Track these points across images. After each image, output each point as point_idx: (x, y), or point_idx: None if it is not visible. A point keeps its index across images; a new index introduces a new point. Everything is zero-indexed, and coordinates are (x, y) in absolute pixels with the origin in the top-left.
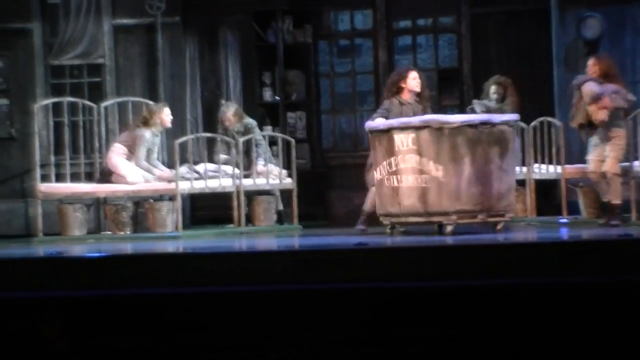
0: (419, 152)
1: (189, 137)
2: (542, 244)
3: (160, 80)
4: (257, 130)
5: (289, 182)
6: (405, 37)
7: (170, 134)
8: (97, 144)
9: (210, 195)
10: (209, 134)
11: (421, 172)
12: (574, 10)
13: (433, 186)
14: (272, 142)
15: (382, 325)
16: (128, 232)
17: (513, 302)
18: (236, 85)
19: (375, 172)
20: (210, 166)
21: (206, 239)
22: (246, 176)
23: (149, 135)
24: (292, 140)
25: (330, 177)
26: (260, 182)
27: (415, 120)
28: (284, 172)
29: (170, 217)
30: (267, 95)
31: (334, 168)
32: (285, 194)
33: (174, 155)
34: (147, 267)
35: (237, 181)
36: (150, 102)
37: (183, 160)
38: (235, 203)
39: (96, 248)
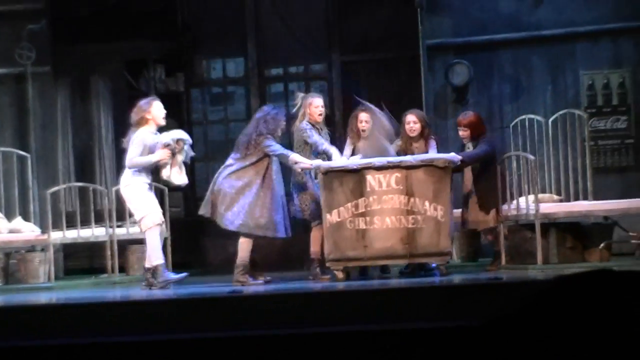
0: (407, 192)
1: (60, 187)
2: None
3: (31, 130)
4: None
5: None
6: (278, 85)
7: (42, 184)
8: None
9: (82, 245)
10: (80, 184)
11: (409, 212)
12: (442, 57)
13: (428, 226)
14: None
15: None
16: None
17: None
18: (108, 134)
19: (327, 215)
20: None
21: (80, 289)
22: (119, 226)
23: (143, 134)
24: (166, 189)
25: (204, 225)
26: (133, 231)
27: (409, 158)
28: None
29: (42, 267)
30: None
31: None
32: None
33: (45, 205)
34: (19, 319)
35: (110, 230)
36: (22, 152)
37: (55, 211)
38: (108, 252)
39: None
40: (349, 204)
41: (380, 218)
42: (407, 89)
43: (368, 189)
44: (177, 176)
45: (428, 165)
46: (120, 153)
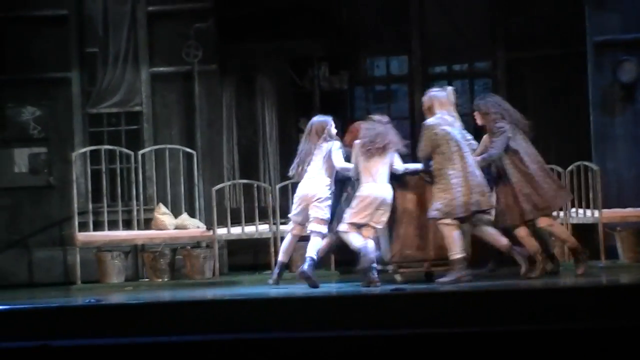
0: None
1: (226, 184)
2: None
3: (197, 128)
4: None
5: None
6: (441, 82)
7: (207, 181)
8: (134, 192)
9: (247, 241)
10: (245, 181)
11: None
12: (610, 54)
13: None
14: None
15: None
16: (166, 279)
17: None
18: (273, 131)
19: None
20: None
21: (244, 286)
22: (283, 222)
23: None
24: None
25: None
26: None
27: None
28: None
29: (207, 263)
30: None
31: None
32: None
33: (211, 202)
34: (185, 315)
35: (274, 227)
36: (189, 150)
37: (220, 207)
38: (272, 249)
39: (134, 295)
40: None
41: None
42: (572, 87)
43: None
44: None
45: None
46: (283, 150)
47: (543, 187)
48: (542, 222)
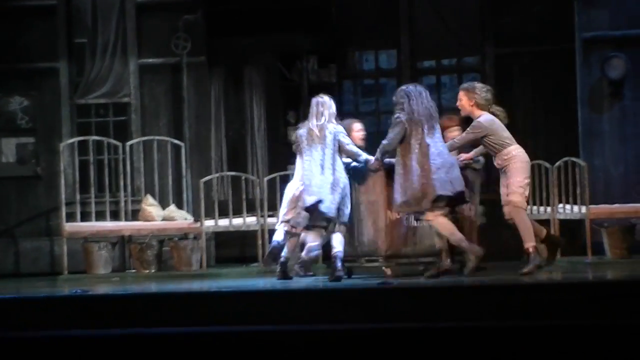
0: None
1: (213, 176)
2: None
3: (185, 120)
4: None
5: None
6: (430, 77)
7: (195, 173)
8: (122, 183)
9: (234, 233)
10: (233, 173)
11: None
12: (598, 51)
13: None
14: None
15: None
16: (153, 271)
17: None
18: (261, 124)
19: (388, 211)
20: None
21: (231, 278)
22: (271, 215)
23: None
24: None
25: None
26: None
27: None
28: None
29: (194, 255)
30: (292, 134)
31: None
32: None
33: (198, 194)
34: (172, 307)
35: (262, 219)
36: (177, 141)
37: (207, 199)
38: (259, 241)
39: (121, 287)
40: None
41: None
42: (561, 83)
43: None
44: None
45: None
46: (271, 143)
47: (415, 185)
48: (427, 217)
